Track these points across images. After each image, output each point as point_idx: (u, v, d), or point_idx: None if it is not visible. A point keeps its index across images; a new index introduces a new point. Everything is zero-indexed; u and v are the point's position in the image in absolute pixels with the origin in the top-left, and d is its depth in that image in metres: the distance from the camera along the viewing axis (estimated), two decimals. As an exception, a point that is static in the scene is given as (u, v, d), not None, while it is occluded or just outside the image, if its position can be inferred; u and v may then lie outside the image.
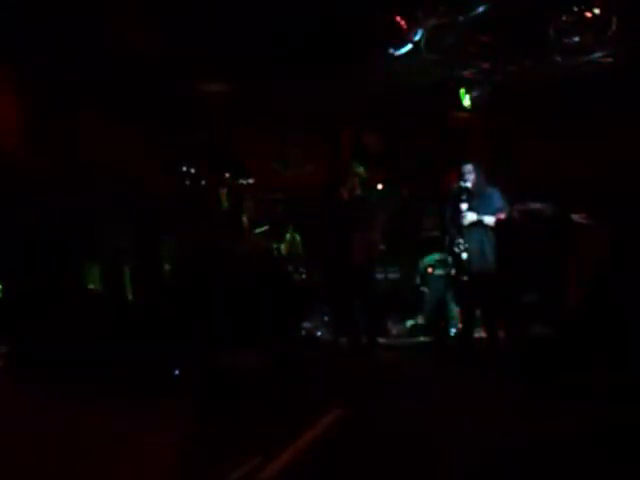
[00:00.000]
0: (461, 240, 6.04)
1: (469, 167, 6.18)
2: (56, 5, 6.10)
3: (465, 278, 6.12)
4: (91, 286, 7.34)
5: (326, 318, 8.07)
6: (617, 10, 5.97)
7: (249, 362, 6.12)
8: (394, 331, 8.06)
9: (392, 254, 8.08)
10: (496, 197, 6.15)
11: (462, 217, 6.03)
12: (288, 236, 8.70)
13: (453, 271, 6.44)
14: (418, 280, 8.02)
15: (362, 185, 7.10)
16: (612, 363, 5.18)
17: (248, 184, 8.95)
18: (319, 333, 8.06)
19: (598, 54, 6.49)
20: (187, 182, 8.43)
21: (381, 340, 7.47)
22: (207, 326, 6.37)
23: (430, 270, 7.87)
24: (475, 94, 7.73)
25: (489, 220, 6.03)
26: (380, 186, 9.11)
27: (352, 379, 5.47)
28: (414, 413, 4.32)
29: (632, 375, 4.73)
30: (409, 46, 6.41)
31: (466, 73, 7.43)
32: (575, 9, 6.03)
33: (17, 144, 6.76)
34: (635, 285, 6.23)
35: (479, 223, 6.04)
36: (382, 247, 7.37)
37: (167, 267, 7.80)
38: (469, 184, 6.12)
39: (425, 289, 7.93)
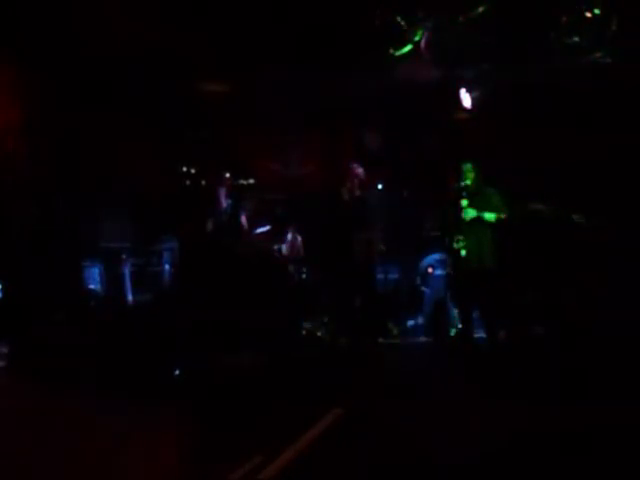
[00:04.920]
0: (460, 237, 6.03)
1: (468, 166, 6.19)
2: (57, 5, 6.10)
3: (465, 277, 6.12)
4: (91, 286, 7.35)
5: (326, 318, 8.06)
6: (617, 10, 5.97)
7: (249, 362, 6.12)
8: (394, 331, 8.04)
9: (392, 254, 8.07)
10: (494, 197, 6.15)
11: (463, 213, 6.03)
12: (289, 236, 8.69)
13: (452, 270, 6.44)
14: (418, 280, 8.02)
15: (362, 185, 7.10)
16: (611, 362, 5.18)
17: (248, 184, 8.95)
18: (319, 333, 8.05)
19: (598, 54, 6.49)
20: (187, 182, 8.43)
21: (381, 340, 7.46)
22: (207, 327, 6.37)
23: (430, 270, 7.87)
24: (475, 94, 7.72)
25: (489, 217, 6.04)
26: (380, 186, 9.10)
27: (352, 379, 5.47)
28: (414, 413, 4.32)
29: (631, 374, 4.73)
30: (409, 46, 6.41)
31: (466, 73, 7.43)
32: (575, 9, 6.03)
33: (17, 144, 6.76)
34: (635, 285, 6.23)
35: (479, 219, 6.04)
36: (382, 247, 7.36)
37: (167, 267, 7.80)
38: (468, 182, 6.13)
39: (425, 289, 7.93)
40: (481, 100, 7.73)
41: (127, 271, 7.55)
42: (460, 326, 6.88)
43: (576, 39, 6.19)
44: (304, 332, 8.01)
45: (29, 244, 6.47)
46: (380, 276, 7.76)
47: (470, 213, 6.03)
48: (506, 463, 3.28)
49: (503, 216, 6.10)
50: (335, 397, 4.59)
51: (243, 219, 7.88)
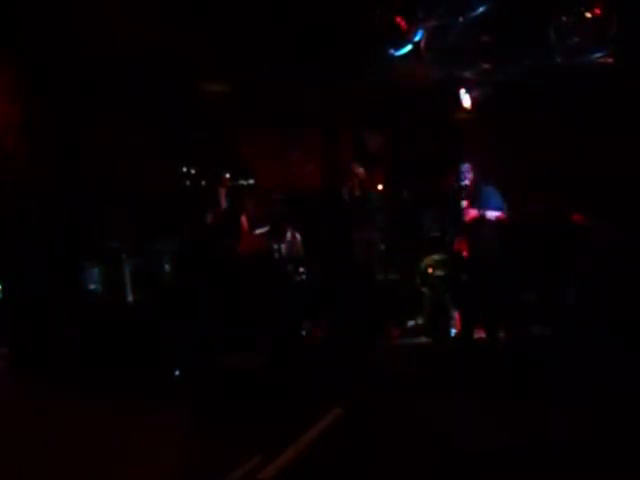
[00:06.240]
0: (461, 237, 6.04)
1: (467, 166, 6.20)
2: (57, 5, 6.10)
3: (465, 278, 6.12)
4: (91, 286, 7.34)
5: (326, 318, 8.05)
6: (617, 10, 5.97)
7: (249, 362, 6.11)
8: (394, 331, 8.04)
9: (392, 254, 8.07)
10: (494, 195, 6.17)
11: (464, 214, 6.04)
12: (288, 236, 8.68)
13: (453, 271, 6.45)
14: (418, 280, 8.01)
15: (362, 185, 7.10)
16: (611, 363, 5.18)
17: (248, 184, 8.94)
18: (319, 333, 8.05)
19: (598, 54, 6.49)
20: (187, 182, 8.42)
21: (381, 340, 7.46)
22: (207, 327, 6.37)
23: (430, 270, 7.86)
24: (475, 94, 7.72)
25: (490, 215, 6.04)
26: (380, 186, 9.11)
27: (352, 379, 5.47)
28: (413, 413, 4.32)
29: (630, 375, 4.73)
30: (409, 46, 6.40)
31: (466, 73, 7.43)
32: (575, 9, 6.03)
33: (17, 144, 6.76)
34: (635, 285, 6.23)
35: (480, 219, 6.04)
36: (382, 247, 7.36)
37: (167, 267, 7.79)
38: (467, 182, 6.14)
39: (425, 289, 7.92)
40: (481, 100, 7.73)
41: (127, 271, 7.54)
42: (460, 326, 6.89)
43: (576, 39, 6.19)
44: (304, 332, 8.01)
45: (29, 244, 6.46)
46: (380, 276, 7.76)
47: (471, 214, 6.04)
48: (506, 463, 3.28)
49: (503, 216, 6.11)
50: (335, 397, 4.59)
51: (243, 219, 7.88)
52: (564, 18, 6.09)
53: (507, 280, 6.58)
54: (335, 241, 7.17)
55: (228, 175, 8.09)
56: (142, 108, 7.81)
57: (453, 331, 7.42)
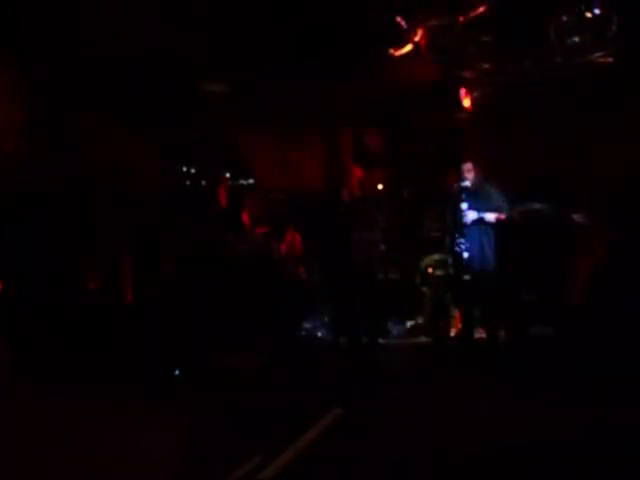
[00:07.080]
0: (462, 240, 6.04)
1: (468, 166, 6.20)
2: (57, 5, 6.10)
3: (467, 278, 6.11)
4: (91, 286, 7.34)
5: (326, 318, 8.06)
6: (617, 10, 5.97)
7: (249, 362, 6.12)
8: (394, 331, 8.05)
9: (392, 254, 8.07)
10: (495, 195, 6.17)
11: (463, 216, 6.03)
12: (288, 236, 8.68)
13: (453, 271, 6.45)
14: (418, 280, 8.03)
15: (362, 185, 7.11)
16: (611, 363, 5.18)
17: (248, 184, 8.94)
18: (319, 333, 8.05)
19: (598, 54, 6.49)
20: (187, 182, 8.42)
21: (381, 340, 7.46)
22: (207, 326, 6.37)
23: (430, 270, 7.87)
24: (475, 94, 7.72)
25: (490, 217, 6.03)
26: (380, 186, 9.11)
27: (352, 379, 5.47)
28: (413, 414, 4.32)
29: (630, 375, 4.73)
30: (409, 46, 6.40)
31: (466, 73, 7.43)
32: (575, 9, 6.03)
33: (17, 144, 6.76)
34: (635, 285, 6.23)
35: (480, 221, 6.04)
36: (382, 247, 7.37)
37: (167, 267, 7.80)
38: (468, 183, 6.13)
39: (425, 289, 7.93)
40: (481, 100, 7.72)
41: (128, 271, 7.55)
42: (460, 326, 6.89)
43: (576, 39, 6.19)
44: (304, 332, 8.01)
45: (29, 244, 6.46)
46: (380, 276, 7.76)
47: (471, 216, 6.03)
48: (506, 464, 3.28)
49: (503, 216, 6.11)
50: (335, 397, 4.59)
51: (245, 217, 7.88)
52: (564, 18, 6.10)
53: (507, 280, 6.58)
54: (335, 241, 7.17)
55: (228, 175, 8.09)
56: (142, 108, 7.80)
57: (453, 331, 7.42)
